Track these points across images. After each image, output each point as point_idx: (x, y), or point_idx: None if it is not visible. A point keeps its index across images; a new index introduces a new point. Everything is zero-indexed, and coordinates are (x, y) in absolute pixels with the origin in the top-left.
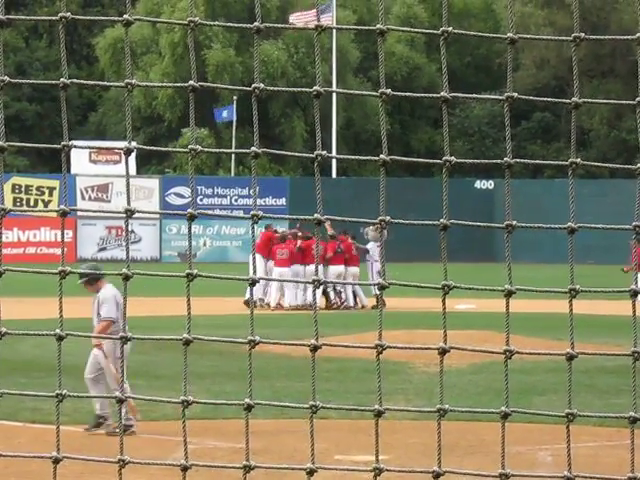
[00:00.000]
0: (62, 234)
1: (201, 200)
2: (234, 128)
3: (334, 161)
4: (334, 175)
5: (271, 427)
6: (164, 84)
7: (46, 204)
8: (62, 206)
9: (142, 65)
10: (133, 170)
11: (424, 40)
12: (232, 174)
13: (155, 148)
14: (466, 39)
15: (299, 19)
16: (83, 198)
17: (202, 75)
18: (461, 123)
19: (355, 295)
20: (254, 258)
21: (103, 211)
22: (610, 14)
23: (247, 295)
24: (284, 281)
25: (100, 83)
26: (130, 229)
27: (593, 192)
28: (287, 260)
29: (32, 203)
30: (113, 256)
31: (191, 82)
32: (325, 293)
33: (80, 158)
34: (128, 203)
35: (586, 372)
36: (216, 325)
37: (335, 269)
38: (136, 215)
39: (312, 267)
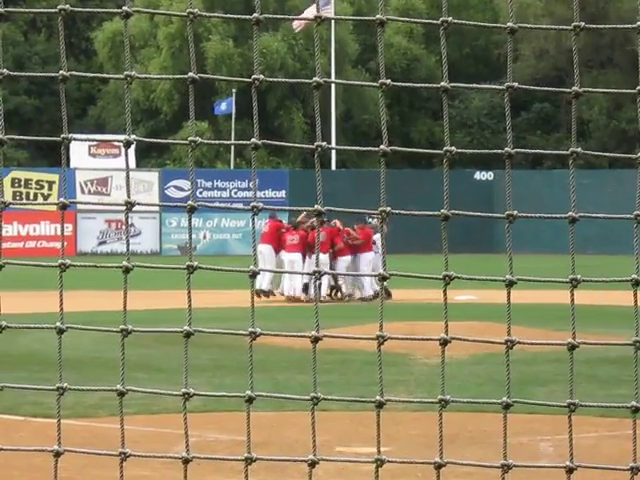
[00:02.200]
0: (62, 227)
1: (200, 193)
2: (233, 121)
3: (333, 153)
4: (334, 167)
5: (272, 420)
6: (164, 76)
7: (46, 198)
8: (61, 199)
9: (141, 59)
10: (133, 163)
11: (422, 31)
12: (231, 167)
13: (154, 140)
14: (465, 30)
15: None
16: (83, 192)
17: (201, 67)
18: (460, 115)
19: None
20: (255, 249)
21: (103, 203)
22: (608, 4)
23: (257, 285)
24: (281, 272)
25: (99, 75)
26: (130, 222)
27: (593, 182)
28: (297, 245)
29: (32, 197)
30: (113, 250)
31: (190, 74)
32: (337, 286)
33: (80, 152)
34: (128, 196)
35: (587, 362)
36: (217, 318)
37: (343, 259)
38: (136, 208)
39: (345, 259)
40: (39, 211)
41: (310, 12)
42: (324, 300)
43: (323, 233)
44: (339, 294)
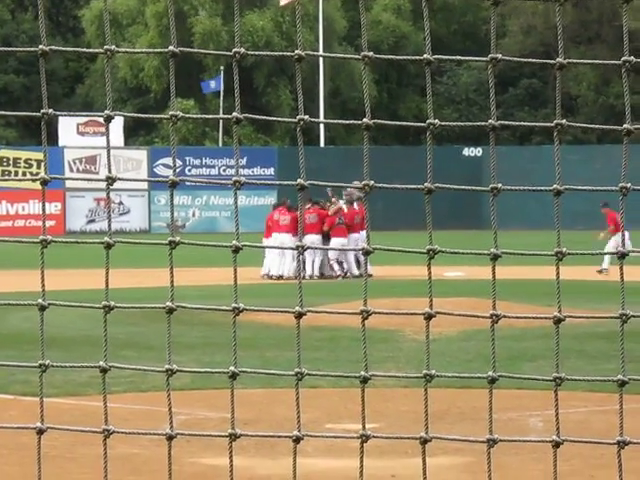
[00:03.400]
0: (43, 203)
1: (189, 171)
2: (221, 98)
3: (322, 130)
4: (322, 144)
5: (262, 397)
6: (144, 50)
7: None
8: (42, 174)
9: (128, 36)
10: (121, 141)
11: (410, 8)
12: (220, 144)
13: (136, 115)
14: (453, 6)
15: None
16: (71, 170)
17: (188, 44)
18: (448, 91)
19: (359, 262)
20: (238, 224)
21: (85, 179)
22: None
23: (265, 270)
24: (268, 247)
25: (79, 50)
26: (119, 200)
27: (581, 158)
28: (288, 226)
29: (20, 176)
30: (102, 228)
31: (171, 47)
32: (330, 266)
33: (68, 130)
34: (109, 171)
35: (576, 338)
36: (206, 295)
37: (337, 241)
38: (125, 186)
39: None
40: (28, 190)
41: None
42: (313, 279)
43: (314, 214)
44: (332, 273)
